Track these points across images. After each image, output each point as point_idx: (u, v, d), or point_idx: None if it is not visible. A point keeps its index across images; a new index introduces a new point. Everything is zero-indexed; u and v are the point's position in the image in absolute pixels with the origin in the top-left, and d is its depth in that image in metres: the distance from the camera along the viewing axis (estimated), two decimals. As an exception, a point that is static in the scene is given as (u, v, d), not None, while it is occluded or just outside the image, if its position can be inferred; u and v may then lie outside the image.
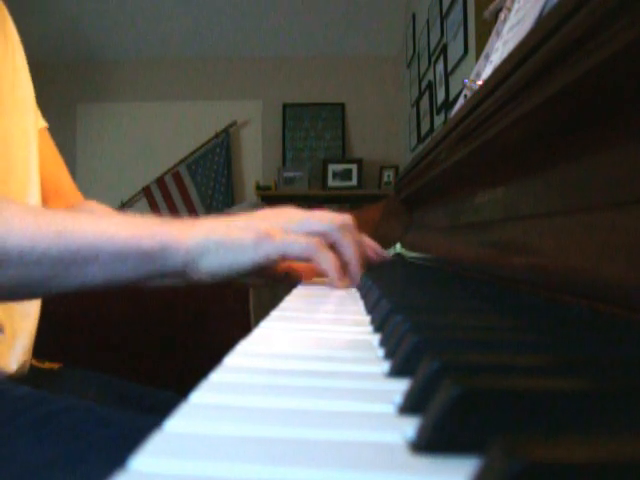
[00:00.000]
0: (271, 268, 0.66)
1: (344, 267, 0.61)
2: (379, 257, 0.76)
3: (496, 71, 0.48)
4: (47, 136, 0.85)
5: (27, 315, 0.70)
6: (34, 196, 0.73)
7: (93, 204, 0.86)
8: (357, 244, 0.62)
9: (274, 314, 0.42)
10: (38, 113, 0.82)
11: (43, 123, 0.84)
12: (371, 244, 0.76)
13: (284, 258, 0.54)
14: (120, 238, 0.49)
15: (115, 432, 0.50)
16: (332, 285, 0.60)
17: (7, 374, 0.66)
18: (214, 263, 0.51)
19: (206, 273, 0.51)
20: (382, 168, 4.15)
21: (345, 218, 0.62)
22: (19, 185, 0.71)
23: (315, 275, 0.71)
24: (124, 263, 0.49)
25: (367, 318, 0.41)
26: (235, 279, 0.55)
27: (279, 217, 0.58)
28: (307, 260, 0.55)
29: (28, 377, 0.71)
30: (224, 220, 0.54)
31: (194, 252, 0.50)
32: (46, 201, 0.80)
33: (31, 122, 0.76)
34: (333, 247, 0.60)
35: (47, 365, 0.76)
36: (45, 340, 0.76)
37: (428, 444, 0.16)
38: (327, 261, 0.56)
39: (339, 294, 0.57)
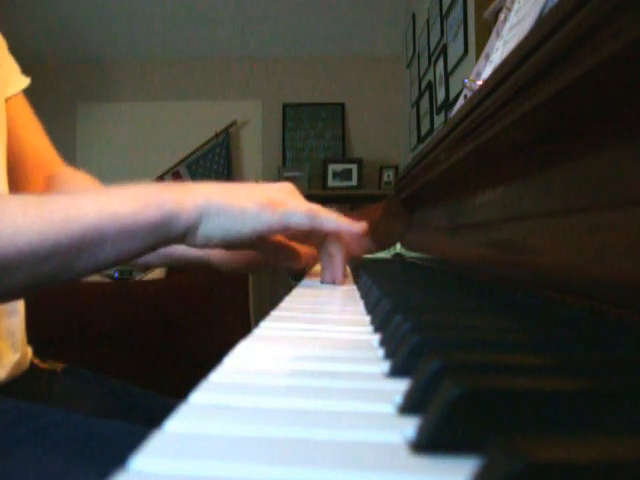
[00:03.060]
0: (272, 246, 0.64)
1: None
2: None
3: (496, 71, 0.48)
4: (24, 101, 0.77)
5: (13, 312, 0.68)
6: None
7: (78, 176, 0.80)
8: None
9: (274, 314, 0.42)
10: (14, 71, 0.76)
11: (22, 83, 0.76)
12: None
13: (286, 229, 0.53)
14: (125, 214, 0.47)
15: (103, 448, 0.49)
16: (335, 270, 0.60)
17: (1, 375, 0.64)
18: (213, 227, 0.50)
19: (203, 237, 0.50)
20: (382, 168, 4.15)
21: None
22: None
23: (317, 262, 0.69)
24: (132, 239, 0.47)
25: (367, 318, 0.41)
26: (231, 247, 0.52)
27: (280, 191, 0.56)
28: (311, 228, 0.53)
29: (29, 378, 0.70)
30: (226, 185, 0.53)
31: (195, 215, 0.49)
32: (25, 173, 0.75)
33: None
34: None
35: (49, 365, 0.75)
36: (48, 340, 0.76)
37: (428, 444, 0.16)
38: (332, 221, 0.54)
39: (339, 294, 0.57)
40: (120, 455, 0.46)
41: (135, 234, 0.47)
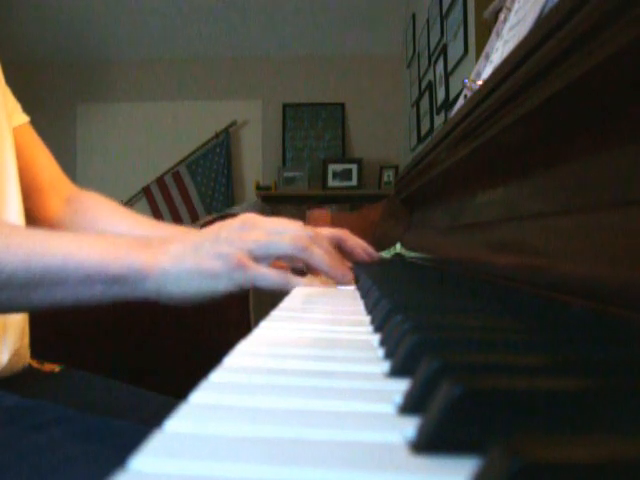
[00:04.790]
0: None
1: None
2: (369, 257, 0.76)
3: (496, 71, 0.48)
4: (31, 130, 0.82)
5: None
6: (11, 197, 0.69)
7: (92, 196, 0.84)
8: (328, 253, 0.61)
9: (274, 314, 0.42)
10: (17, 108, 0.79)
11: (25, 118, 0.81)
12: (360, 243, 0.76)
13: (256, 288, 0.55)
14: (88, 263, 0.49)
15: (102, 445, 0.49)
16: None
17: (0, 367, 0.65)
18: (187, 290, 0.52)
19: (179, 298, 0.52)
20: (382, 168, 4.15)
21: (308, 231, 0.61)
22: None
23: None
24: (92, 287, 0.50)
25: (367, 318, 0.41)
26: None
27: (244, 236, 0.56)
28: (280, 291, 0.56)
29: (27, 379, 0.70)
30: (193, 242, 0.54)
31: (163, 280, 0.51)
32: (42, 199, 0.78)
33: (2, 122, 0.72)
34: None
35: (47, 367, 0.75)
36: (45, 341, 0.76)
37: (428, 444, 0.16)
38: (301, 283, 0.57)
39: (339, 294, 0.57)
40: (120, 452, 0.46)
41: (95, 284, 0.50)
